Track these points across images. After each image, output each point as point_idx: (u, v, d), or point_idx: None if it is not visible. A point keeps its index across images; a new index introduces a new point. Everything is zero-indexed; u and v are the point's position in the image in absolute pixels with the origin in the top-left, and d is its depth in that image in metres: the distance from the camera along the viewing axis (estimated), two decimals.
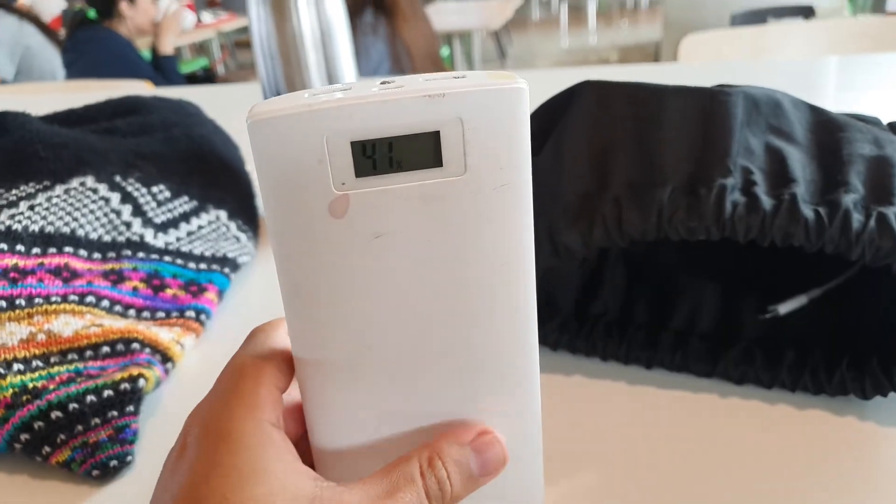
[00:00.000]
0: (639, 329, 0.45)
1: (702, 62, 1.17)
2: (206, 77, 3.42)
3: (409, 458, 0.25)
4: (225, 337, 0.51)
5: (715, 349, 0.43)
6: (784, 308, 0.44)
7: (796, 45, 1.27)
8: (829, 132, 0.43)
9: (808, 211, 0.36)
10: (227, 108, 1.17)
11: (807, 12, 2.74)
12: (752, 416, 0.40)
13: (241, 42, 5.77)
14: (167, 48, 2.71)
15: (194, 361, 0.49)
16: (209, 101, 1.23)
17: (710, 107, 0.41)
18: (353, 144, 0.21)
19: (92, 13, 2.53)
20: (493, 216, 0.23)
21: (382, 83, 0.22)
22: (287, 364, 0.26)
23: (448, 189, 0.22)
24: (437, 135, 0.21)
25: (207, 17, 4.79)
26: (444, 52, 3.62)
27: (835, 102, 0.92)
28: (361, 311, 0.24)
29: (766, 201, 0.37)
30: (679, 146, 0.41)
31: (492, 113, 0.21)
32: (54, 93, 1.52)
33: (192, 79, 3.31)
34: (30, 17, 3.11)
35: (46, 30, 3.11)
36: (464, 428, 0.26)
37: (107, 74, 2.41)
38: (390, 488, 0.24)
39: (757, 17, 2.73)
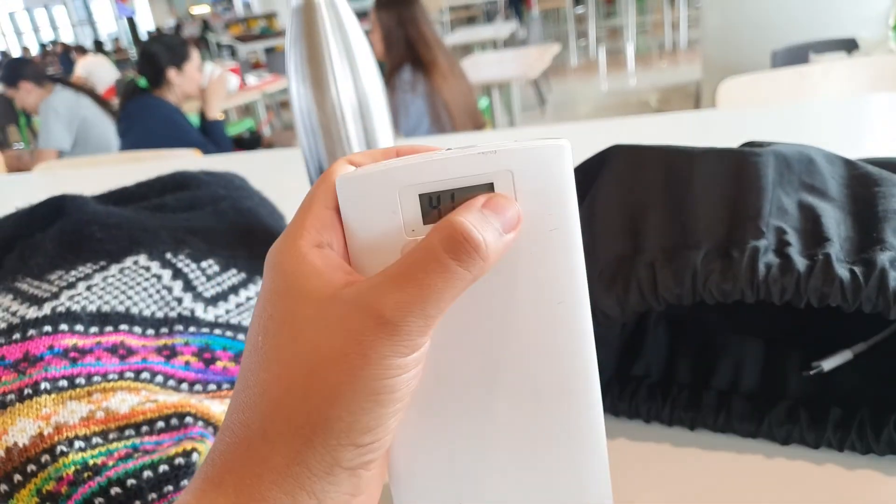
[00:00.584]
0: (682, 390, 0.45)
1: (741, 107, 1.17)
2: (253, 139, 3.52)
3: (425, 238, 0.25)
4: None
5: (759, 408, 0.43)
6: (828, 364, 0.44)
7: (838, 84, 1.26)
8: (864, 186, 0.43)
9: (843, 271, 0.36)
10: (272, 172, 1.21)
11: (849, 46, 2.70)
12: (798, 478, 0.39)
13: (285, 102, 5.94)
14: (215, 113, 2.81)
15: None
16: (255, 166, 1.28)
17: (740, 168, 0.42)
18: (421, 196, 0.25)
19: (143, 82, 2.65)
20: (545, 257, 0.26)
21: (447, 149, 0.26)
22: None
23: None
24: (491, 186, 0.25)
25: (252, 79, 4.95)
26: (484, 102, 3.67)
27: (880, 141, 0.91)
28: (437, 340, 0.26)
29: (800, 262, 0.37)
30: (711, 208, 0.41)
31: (537, 166, 0.25)
32: (108, 165, 1.59)
33: (239, 141, 3.41)
34: (85, 90, 3.27)
35: (101, 101, 3.27)
36: (469, 202, 0.26)
37: (158, 141, 2.50)
38: (410, 265, 0.24)
39: (798, 52, 2.70)
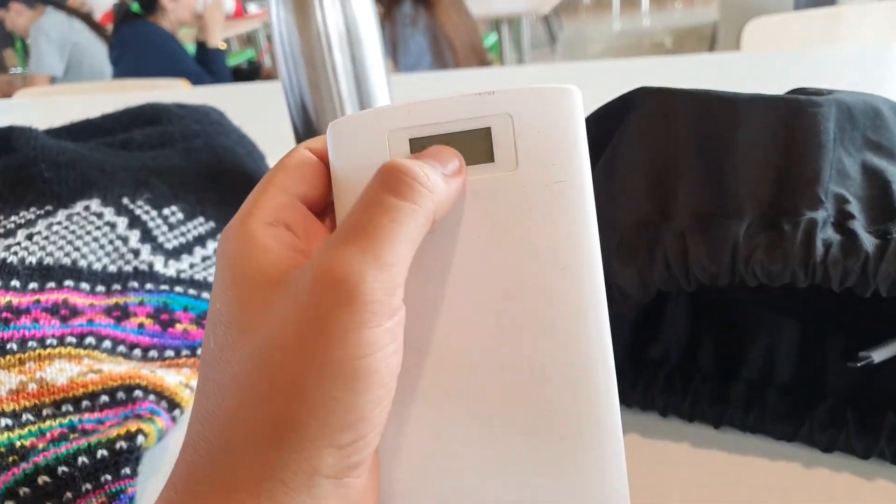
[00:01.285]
0: (705, 380, 0.38)
1: (766, 50, 1.08)
2: (252, 69, 3.41)
3: (366, 187, 0.22)
4: None
5: (797, 406, 0.36)
6: (879, 355, 0.37)
7: (873, 28, 1.17)
8: None
9: None
10: (261, 108, 1.13)
11: None
12: (843, 494, 0.33)
13: None
14: (216, 40, 2.70)
15: None
16: (244, 100, 1.20)
17: (795, 120, 0.35)
18: (412, 141, 0.23)
19: (136, 7, 2.54)
20: (547, 214, 0.23)
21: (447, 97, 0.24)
22: (308, 168, 0.25)
23: (500, 184, 0.23)
24: (488, 131, 0.23)
25: (253, 7, 4.80)
26: (492, 38, 3.54)
27: None
28: (419, 313, 0.23)
29: (868, 240, 0.30)
30: (757, 168, 0.34)
31: (541, 111, 0.23)
32: (90, 93, 1.50)
33: (237, 72, 3.30)
34: (78, 13, 3.14)
35: (95, 26, 3.15)
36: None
37: (151, 70, 2.42)
38: (356, 219, 0.21)
39: None
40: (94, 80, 3.01)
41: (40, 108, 1.29)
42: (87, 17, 3.22)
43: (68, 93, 1.57)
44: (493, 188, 0.23)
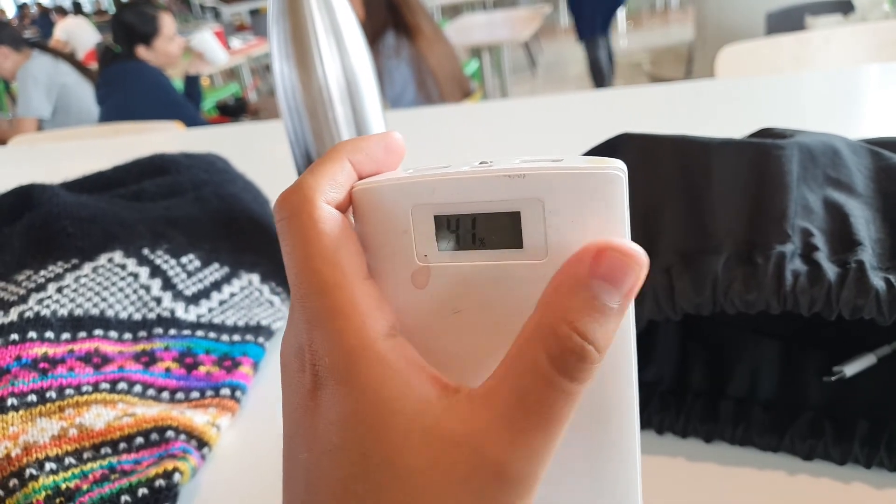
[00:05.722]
0: (696, 398, 0.42)
1: (742, 77, 1.13)
2: (238, 105, 3.45)
3: (524, 346, 0.20)
4: (262, 411, 0.50)
5: (780, 420, 0.40)
6: (850, 369, 0.41)
7: (839, 52, 1.22)
8: (892, 180, 0.40)
9: (877, 280, 0.33)
10: (256, 147, 1.17)
11: (845, 7, 2.65)
12: (824, 498, 0.36)
13: (270, 66, 5.82)
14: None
15: (231, 440, 0.47)
16: (239, 139, 1.23)
17: (762, 162, 0.39)
18: (437, 218, 0.22)
19: (117, 48, 2.58)
20: None
21: (481, 163, 0.22)
22: (351, 237, 0.23)
23: (528, 272, 0.21)
24: (517, 216, 0.21)
25: (236, 42, 4.85)
26: (474, 65, 3.60)
27: (883, 113, 0.87)
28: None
29: (831, 270, 0.34)
30: (732, 207, 0.38)
31: (576, 197, 0.20)
32: (87, 138, 1.53)
33: (224, 108, 3.34)
34: (64, 55, 3.18)
35: (80, 66, 3.18)
36: (573, 263, 0.20)
37: (139, 105, 2.45)
38: (521, 397, 0.19)
39: (793, 14, 2.65)
40: (81, 119, 3.04)
41: (39, 155, 1.32)
42: (71, 58, 3.26)
43: (64, 138, 1.60)
44: (521, 275, 0.21)
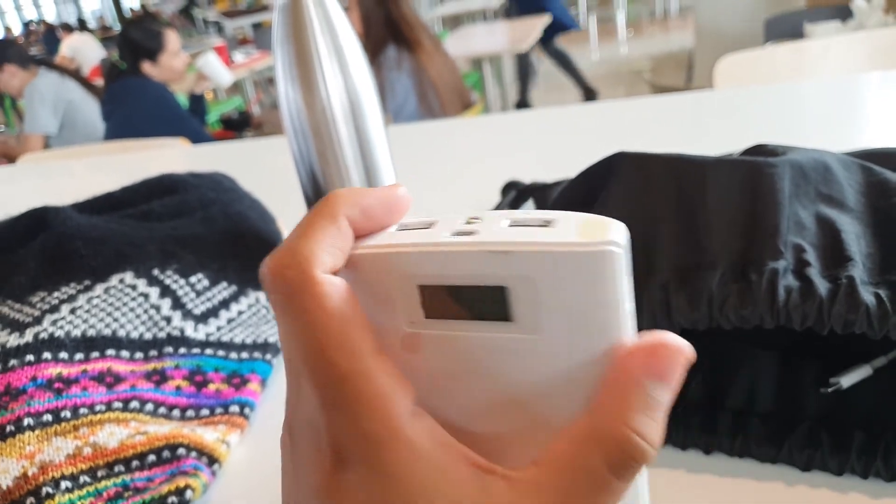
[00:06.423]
0: (695, 411, 0.43)
1: (740, 87, 1.14)
2: (242, 119, 3.48)
3: (580, 448, 0.20)
4: (270, 427, 0.51)
5: (778, 431, 0.41)
6: (847, 381, 0.42)
7: (838, 60, 1.24)
8: (883, 195, 0.41)
9: (868, 296, 0.34)
10: (262, 162, 1.19)
11: (844, 13, 2.67)
12: None
13: (274, 79, 5.86)
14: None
15: (240, 457, 0.48)
16: (243, 156, 1.25)
17: (754, 180, 0.40)
18: (422, 288, 0.21)
19: (124, 65, 2.61)
20: (577, 388, 0.20)
21: (468, 221, 0.21)
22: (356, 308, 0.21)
23: (520, 346, 0.21)
24: (502, 290, 0.20)
25: (239, 56, 4.88)
26: (475, 75, 3.62)
27: (882, 122, 0.88)
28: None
29: (822, 285, 0.35)
30: (726, 224, 0.39)
31: (570, 275, 0.19)
32: (94, 155, 1.55)
33: (228, 122, 3.36)
34: (70, 72, 3.21)
35: (86, 83, 3.22)
36: (626, 362, 0.20)
37: (145, 122, 2.47)
38: (570, 494, 0.19)
39: (792, 21, 2.67)
40: (87, 135, 3.07)
41: (47, 174, 1.34)
42: (77, 75, 3.29)
43: (72, 156, 1.62)
44: (513, 348, 0.21)
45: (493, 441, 0.22)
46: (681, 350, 0.20)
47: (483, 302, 0.20)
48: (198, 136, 2.47)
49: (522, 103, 4.60)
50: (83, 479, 0.42)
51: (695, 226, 0.40)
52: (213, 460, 0.46)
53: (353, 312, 0.21)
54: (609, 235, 0.19)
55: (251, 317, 0.58)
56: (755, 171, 0.40)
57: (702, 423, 0.42)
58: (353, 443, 0.20)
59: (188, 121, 2.64)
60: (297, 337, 0.20)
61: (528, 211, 0.21)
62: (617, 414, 0.19)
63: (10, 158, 3.10)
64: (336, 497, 0.20)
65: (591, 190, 0.46)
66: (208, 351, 0.53)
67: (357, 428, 0.20)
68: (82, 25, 10.96)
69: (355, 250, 0.22)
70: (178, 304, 0.54)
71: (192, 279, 0.56)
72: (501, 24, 4.38)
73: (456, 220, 0.21)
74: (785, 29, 2.47)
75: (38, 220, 0.58)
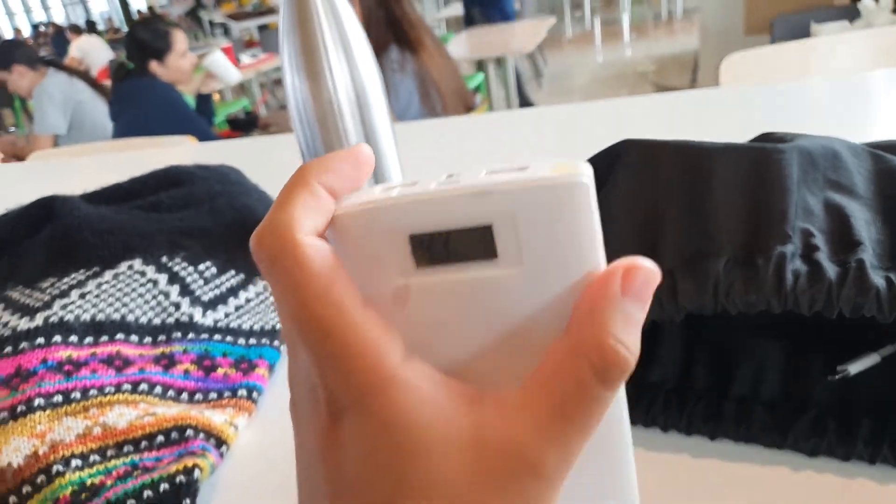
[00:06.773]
0: (699, 400, 0.43)
1: (746, 85, 1.14)
2: (249, 119, 3.49)
3: (565, 360, 0.21)
4: (278, 411, 0.51)
5: (783, 418, 0.41)
6: (854, 368, 0.42)
7: (844, 59, 1.24)
8: (893, 183, 0.41)
9: (878, 279, 0.34)
10: (270, 160, 1.19)
11: (851, 13, 2.66)
12: (828, 494, 0.37)
13: (280, 81, 5.88)
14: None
15: (248, 440, 0.49)
16: (250, 153, 1.25)
17: (762, 166, 0.40)
18: (412, 238, 0.22)
19: (130, 65, 2.62)
20: (558, 314, 0.22)
21: (449, 176, 0.22)
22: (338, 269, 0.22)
23: (506, 282, 0.22)
24: (488, 229, 0.21)
25: (246, 58, 4.89)
26: (479, 77, 3.62)
27: (889, 118, 0.88)
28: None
29: (831, 269, 0.35)
30: (732, 210, 0.39)
31: (546, 208, 0.21)
32: (103, 153, 1.56)
33: (234, 122, 3.37)
34: (79, 73, 3.23)
35: (95, 84, 3.23)
36: (604, 283, 0.21)
37: (153, 122, 2.48)
38: (561, 405, 0.20)
39: (798, 21, 2.66)
40: (95, 135, 3.08)
41: (58, 170, 1.34)
42: (86, 76, 3.31)
43: (81, 153, 1.63)
44: (500, 286, 0.22)
45: (483, 375, 0.23)
46: (652, 271, 0.21)
47: (472, 243, 0.22)
48: (205, 136, 2.47)
49: (524, 103, 4.58)
50: (93, 457, 0.42)
51: (701, 211, 0.40)
52: (220, 442, 0.46)
53: (336, 269, 0.21)
54: (579, 170, 0.21)
55: (259, 304, 0.58)
56: (763, 157, 0.40)
57: (706, 411, 0.42)
58: (345, 394, 0.21)
59: (196, 121, 2.65)
60: (284, 299, 0.21)
61: (500, 166, 0.22)
62: (599, 326, 0.21)
63: (20, 159, 3.11)
64: (336, 450, 0.21)
65: (597, 177, 0.46)
66: (216, 336, 0.53)
67: (348, 379, 0.20)
68: (91, 27, 10.99)
69: (338, 211, 0.23)
70: (186, 290, 0.54)
71: (201, 267, 0.57)
72: (506, 26, 4.38)
73: (437, 177, 0.23)
74: (791, 29, 2.47)
75: (46, 210, 0.59)
